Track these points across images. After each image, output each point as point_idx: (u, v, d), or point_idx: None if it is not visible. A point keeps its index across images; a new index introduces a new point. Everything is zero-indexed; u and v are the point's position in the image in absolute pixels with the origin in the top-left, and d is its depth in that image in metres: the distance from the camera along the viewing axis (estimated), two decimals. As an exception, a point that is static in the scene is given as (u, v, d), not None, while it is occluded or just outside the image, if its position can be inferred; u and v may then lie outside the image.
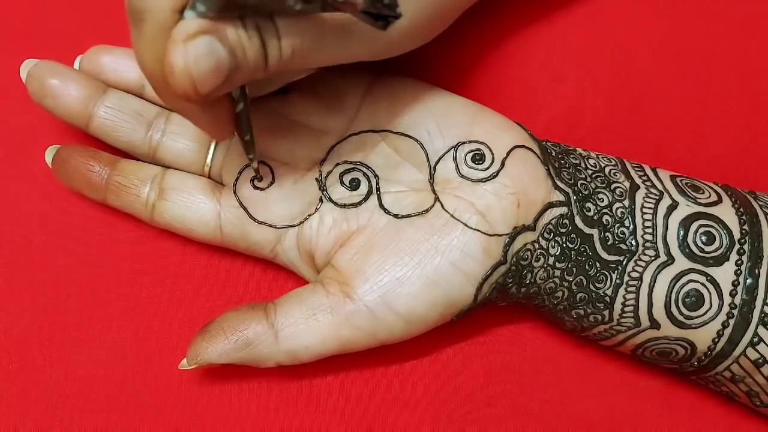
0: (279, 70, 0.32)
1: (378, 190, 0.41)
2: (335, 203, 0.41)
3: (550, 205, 0.39)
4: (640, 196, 0.39)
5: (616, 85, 0.47)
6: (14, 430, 0.42)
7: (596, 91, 0.47)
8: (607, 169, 0.40)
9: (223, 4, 0.29)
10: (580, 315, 0.40)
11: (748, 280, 0.38)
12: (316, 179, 0.41)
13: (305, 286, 0.41)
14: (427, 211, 0.40)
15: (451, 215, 0.39)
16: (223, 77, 0.30)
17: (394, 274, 0.39)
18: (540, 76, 0.47)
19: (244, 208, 0.41)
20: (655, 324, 0.38)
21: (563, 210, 0.39)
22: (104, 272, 0.44)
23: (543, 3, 0.47)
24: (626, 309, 0.38)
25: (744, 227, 0.39)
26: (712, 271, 0.38)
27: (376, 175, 0.41)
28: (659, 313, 0.38)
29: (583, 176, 0.40)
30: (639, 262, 0.38)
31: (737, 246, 0.38)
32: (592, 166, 0.41)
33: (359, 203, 0.41)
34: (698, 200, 0.39)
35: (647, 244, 0.38)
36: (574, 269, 0.39)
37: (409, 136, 0.41)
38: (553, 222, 0.39)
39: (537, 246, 0.39)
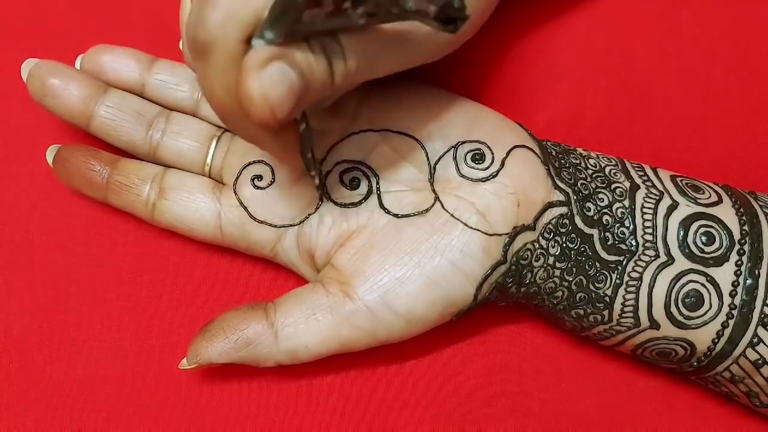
0: (344, 85, 0.33)
1: (378, 189, 0.41)
2: (335, 203, 0.41)
3: (550, 205, 0.39)
4: (640, 196, 0.39)
5: (616, 85, 0.47)
6: (14, 430, 0.42)
7: (596, 91, 0.47)
8: (607, 169, 0.40)
9: (291, 28, 0.29)
10: (579, 315, 0.40)
11: (747, 281, 0.38)
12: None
13: (305, 285, 0.41)
14: (427, 210, 0.40)
15: (451, 215, 0.39)
16: (297, 100, 0.30)
17: (394, 274, 0.39)
18: (540, 76, 0.47)
19: (245, 208, 0.41)
20: (654, 324, 0.38)
21: (563, 210, 0.39)
22: (104, 272, 0.44)
23: (543, 3, 0.47)
24: (626, 309, 0.39)
25: (744, 228, 0.39)
26: (712, 271, 0.38)
27: (376, 175, 0.41)
28: (659, 313, 0.38)
29: (584, 176, 0.40)
30: (639, 263, 0.38)
31: (737, 246, 0.38)
32: (592, 165, 0.41)
33: (359, 203, 0.41)
34: (698, 200, 0.39)
35: (647, 245, 0.38)
36: (574, 269, 0.39)
37: (409, 136, 0.41)
38: (553, 222, 0.39)
39: (537, 246, 0.39)
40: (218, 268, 0.45)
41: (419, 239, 0.39)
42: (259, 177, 0.41)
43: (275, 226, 0.41)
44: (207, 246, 0.44)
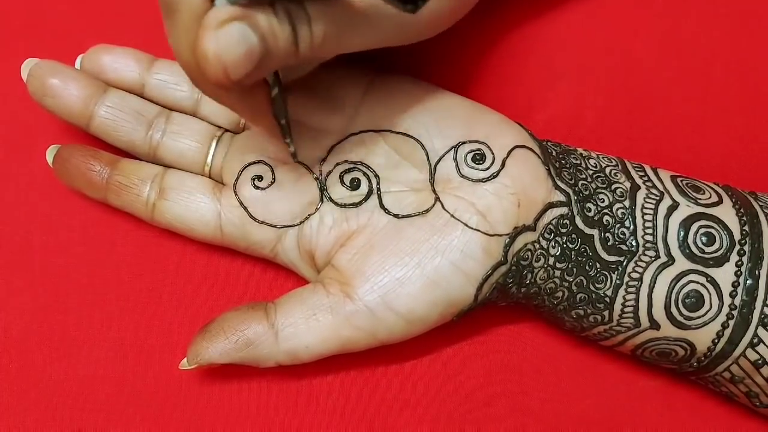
0: (310, 55, 0.33)
1: (378, 190, 0.41)
2: (335, 203, 0.41)
3: (551, 206, 0.39)
4: (640, 196, 0.39)
5: (616, 85, 0.47)
6: (14, 430, 0.42)
7: (596, 91, 0.47)
8: (607, 170, 0.40)
9: None
10: (580, 315, 0.40)
11: (748, 281, 0.38)
12: (316, 179, 0.41)
13: (305, 286, 0.41)
14: (427, 211, 0.40)
15: (452, 215, 0.39)
16: (255, 63, 0.30)
17: (395, 274, 0.39)
18: (540, 75, 0.47)
19: (245, 208, 0.41)
20: (654, 324, 0.38)
21: (564, 210, 0.39)
22: (104, 272, 0.44)
23: (543, 3, 0.47)
24: (626, 309, 0.39)
25: (744, 228, 0.39)
26: (712, 271, 0.38)
27: (376, 175, 0.41)
28: (659, 313, 0.38)
29: (584, 176, 0.40)
30: (639, 263, 0.38)
31: (737, 247, 0.38)
32: (592, 166, 0.41)
33: (359, 203, 0.41)
34: (699, 201, 0.39)
35: (647, 245, 0.38)
36: (575, 269, 0.39)
37: (410, 136, 0.41)
38: (553, 222, 0.39)
39: (537, 246, 0.39)
40: (218, 268, 0.45)
41: (420, 239, 0.39)
42: (260, 177, 0.41)
43: (275, 227, 0.41)
44: (207, 246, 0.44)
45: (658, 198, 0.39)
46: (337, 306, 0.39)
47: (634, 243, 0.39)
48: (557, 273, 0.39)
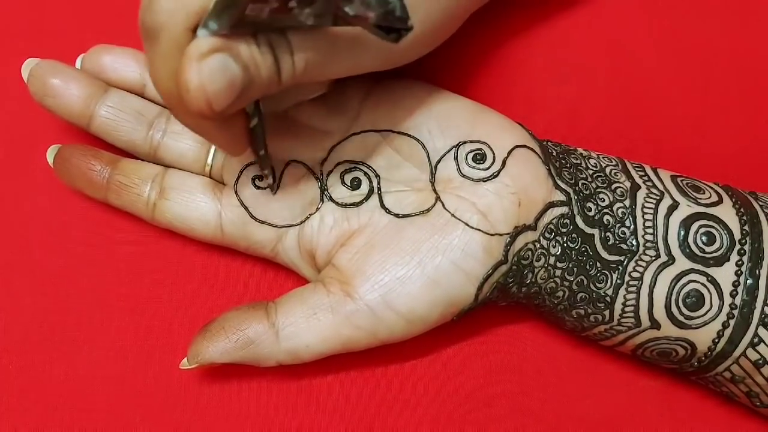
0: (292, 84, 0.33)
1: (379, 189, 0.41)
2: (336, 203, 0.41)
3: (551, 205, 0.39)
4: (640, 196, 0.39)
5: (616, 85, 0.47)
6: (14, 430, 0.42)
7: (596, 91, 0.47)
8: (607, 169, 0.40)
9: (235, 21, 0.29)
10: (580, 315, 0.40)
11: (748, 281, 0.38)
12: (317, 179, 0.41)
13: (306, 285, 0.41)
14: (428, 210, 0.40)
15: (452, 215, 0.39)
16: (237, 93, 0.30)
17: (395, 274, 0.39)
18: (540, 76, 0.47)
19: (245, 208, 0.41)
20: (655, 324, 0.38)
21: (564, 210, 0.39)
22: (104, 272, 0.44)
23: (543, 3, 0.47)
24: (627, 309, 0.39)
25: (744, 227, 0.39)
26: (713, 271, 0.38)
27: (377, 175, 0.41)
28: (660, 313, 0.38)
29: (584, 176, 0.40)
30: (640, 262, 0.38)
31: (738, 246, 0.38)
32: (592, 166, 0.41)
33: (360, 203, 0.41)
34: (699, 200, 0.39)
35: (648, 244, 0.38)
36: (575, 269, 0.39)
37: (410, 136, 0.41)
38: (554, 222, 0.39)
39: (538, 246, 0.39)
40: (218, 268, 0.45)
41: (420, 239, 0.39)
42: (260, 177, 0.41)
43: (276, 226, 0.41)
44: (207, 246, 0.44)
45: (658, 197, 0.39)
46: (338, 305, 0.39)
47: (634, 242, 0.39)
48: (558, 272, 0.39)
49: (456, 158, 0.40)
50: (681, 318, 0.38)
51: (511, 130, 0.41)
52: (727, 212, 0.39)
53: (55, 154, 0.43)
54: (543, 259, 0.39)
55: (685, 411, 0.44)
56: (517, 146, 0.40)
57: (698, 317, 0.38)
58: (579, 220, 0.39)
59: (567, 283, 0.39)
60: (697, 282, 0.38)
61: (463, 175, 0.40)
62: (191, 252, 0.45)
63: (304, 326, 0.39)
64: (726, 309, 0.38)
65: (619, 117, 0.46)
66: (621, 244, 0.39)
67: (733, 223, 0.39)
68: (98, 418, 0.42)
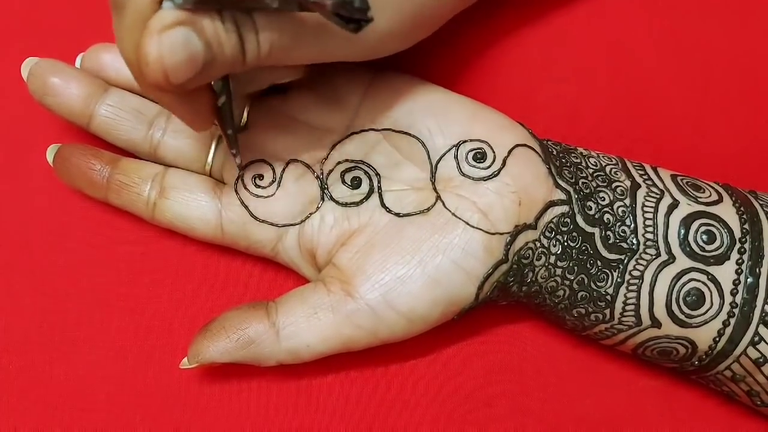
0: (257, 65, 0.33)
1: (379, 188, 0.41)
2: (336, 202, 0.41)
3: (552, 204, 0.39)
4: (641, 194, 0.39)
5: (616, 85, 0.47)
6: (14, 430, 0.42)
7: (596, 91, 0.47)
8: (608, 168, 0.40)
9: None
10: (581, 314, 0.40)
11: (748, 279, 0.38)
12: (317, 178, 0.41)
13: (306, 284, 0.41)
14: (428, 209, 0.40)
15: (453, 214, 0.39)
16: (198, 69, 0.30)
17: (396, 273, 0.39)
18: (540, 75, 0.47)
19: (245, 207, 0.41)
20: (656, 323, 0.38)
21: (564, 209, 0.39)
22: (104, 272, 0.44)
23: (543, 3, 0.47)
24: (627, 308, 0.39)
25: (745, 226, 0.39)
26: (713, 270, 0.38)
27: (377, 174, 0.41)
28: (660, 311, 0.38)
29: (584, 175, 0.40)
30: (640, 261, 0.38)
31: (738, 245, 0.38)
32: (593, 165, 0.41)
33: (360, 202, 0.41)
34: (699, 199, 0.39)
35: (648, 243, 0.38)
36: (576, 268, 0.39)
37: (411, 135, 0.41)
38: (554, 221, 0.39)
39: (538, 245, 0.39)
40: (218, 268, 0.45)
41: (421, 238, 0.39)
42: (260, 176, 0.41)
43: (276, 226, 0.41)
44: (207, 246, 0.44)
45: (658, 196, 0.39)
46: (338, 304, 0.39)
47: (634, 241, 0.39)
48: (558, 271, 0.39)
49: (456, 157, 0.40)
50: (681, 316, 0.38)
51: (512, 129, 0.41)
52: (727, 211, 0.39)
53: (54, 154, 0.42)
54: (543, 258, 0.39)
55: (685, 411, 0.44)
56: (517, 145, 0.40)
57: (699, 316, 0.38)
58: (579, 219, 0.39)
59: (567, 282, 0.39)
60: (698, 281, 0.38)
61: (464, 174, 0.40)
62: (191, 252, 0.45)
63: (304, 326, 0.39)
64: (726, 307, 0.38)
65: (619, 117, 0.46)
66: (621, 243, 0.39)
67: (734, 221, 0.39)
68: (98, 418, 0.42)
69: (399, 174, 0.41)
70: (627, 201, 0.39)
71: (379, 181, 0.41)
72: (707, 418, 0.44)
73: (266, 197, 0.41)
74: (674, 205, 0.39)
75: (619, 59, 0.47)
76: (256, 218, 0.41)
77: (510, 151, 0.40)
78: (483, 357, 0.44)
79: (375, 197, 0.41)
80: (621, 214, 0.39)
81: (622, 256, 0.39)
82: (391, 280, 0.39)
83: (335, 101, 0.41)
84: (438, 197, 0.40)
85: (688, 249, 0.38)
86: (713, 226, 0.39)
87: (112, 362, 0.43)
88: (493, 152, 0.40)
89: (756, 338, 0.38)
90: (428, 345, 0.44)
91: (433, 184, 0.40)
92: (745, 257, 0.38)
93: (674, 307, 0.38)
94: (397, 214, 0.40)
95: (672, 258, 0.38)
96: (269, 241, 0.41)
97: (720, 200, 0.40)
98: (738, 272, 0.38)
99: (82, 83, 0.42)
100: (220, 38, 0.31)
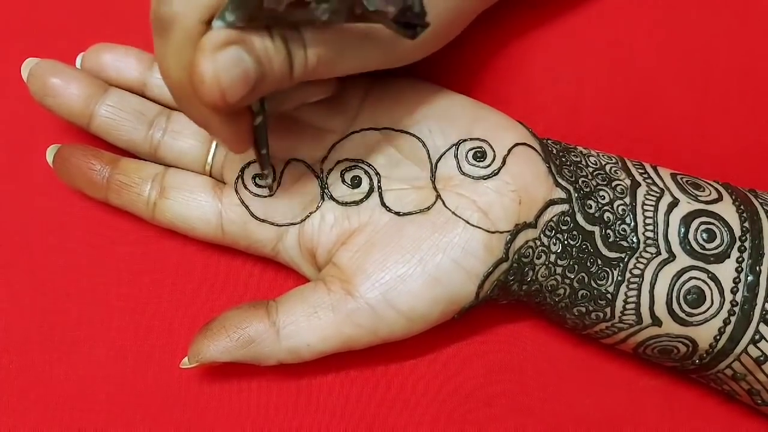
0: (303, 79, 0.33)
1: (379, 187, 0.41)
2: (337, 201, 0.41)
3: (552, 203, 0.39)
4: (641, 193, 0.39)
5: (616, 85, 0.47)
6: (14, 430, 0.42)
7: (596, 91, 0.47)
8: (607, 167, 0.40)
9: (251, 14, 0.29)
10: (581, 312, 0.40)
11: (749, 278, 0.38)
12: (317, 177, 0.41)
13: (307, 284, 0.41)
14: (428, 208, 0.40)
15: (453, 213, 0.39)
16: (251, 86, 0.30)
17: (396, 272, 0.39)
18: (540, 75, 0.47)
19: (246, 206, 0.41)
20: (656, 321, 0.38)
21: (564, 207, 0.39)
22: (104, 272, 0.44)
23: (543, 3, 0.48)
24: (628, 306, 0.39)
25: (745, 224, 0.39)
26: (714, 268, 0.38)
27: (377, 173, 0.41)
28: (661, 310, 0.38)
29: (584, 174, 0.40)
30: (640, 259, 0.38)
31: (738, 243, 0.38)
32: (593, 163, 0.41)
33: (361, 201, 0.41)
34: (699, 198, 0.39)
35: (648, 242, 0.38)
36: (576, 266, 0.39)
37: (411, 134, 0.41)
38: (554, 219, 0.39)
39: (538, 243, 0.39)
40: (218, 268, 0.45)
41: (421, 237, 0.39)
42: (260, 176, 0.41)
43: (277, 225, 0.41)
44: (207, 246, 0.44)
45: (658, 195, 0.39)
46: (339, 304, 0.39)
47: (635, 240, 0.39)
48: (558, 270, 0.39)
49: (456, 156, 0.40)
50: (682, 315, 0.38)
51: (512, 128, 0.41)
52: (727, 209, 0.39)
53: (54, 154, 0.42)
54: (544, 257, 0.39)
55: (685, 410, 0.44)
56: (517, 144, 0.40)
57: (699, 314, 0.38)
58: (579, 218, 0.39)
59: (568, 281, 0.39)
60: (698, 279, 0.38)
61: (464, 173, 0.40)
62: (191, 252, 0.45)
63: (304, 325, 0.39)
64: (727, 306, 0.38)
65: (619, 117, 0.47)
66: (621, 242, 0.39)
67: (734, 220, 0.39)
68: (98, 418, 0.42)
69: (399, 173, 0.41)
70: (627, 199, 0.39)
71: (379, 180, 0.41)
72: (707, 418, 0.44)
73: (266, 197, 0.41)
74: (674, 204, 0.39)
75: (619, 59, 0.47)
76: (256, 218, 0.41)
77: (510, 150, 0.40)
78: (483, 357, 0.44)
79: (375, 196, 0.41)
80: (621, 213, 0.39)
81: (623, 255, 0.39)
82: (392, 279, 0.39)
83: (336, 102, 0.41)
84: (438, 196, 0.40)
85: (688, 247, 0.38)
86: (713, 224, 0.39)
87: (112, 362, 0.43)
88: (493, 151, 0.40)
89: (756, 336, 0.38)
90: (428, 345, 0.44)
91: (433, 183, 0.40)
92: (745, 255, 0.38)
93: (675, 306, 0.38)
94: (398, 213, 0.40)
95: (672, 256, 0.38)
96: (269, 241, 0.41)
97: (720, 199, 0.40)
98: (738, 270, 0.38)
99: (82, 84, 0.42)
100: (269, 55, 0.31)
